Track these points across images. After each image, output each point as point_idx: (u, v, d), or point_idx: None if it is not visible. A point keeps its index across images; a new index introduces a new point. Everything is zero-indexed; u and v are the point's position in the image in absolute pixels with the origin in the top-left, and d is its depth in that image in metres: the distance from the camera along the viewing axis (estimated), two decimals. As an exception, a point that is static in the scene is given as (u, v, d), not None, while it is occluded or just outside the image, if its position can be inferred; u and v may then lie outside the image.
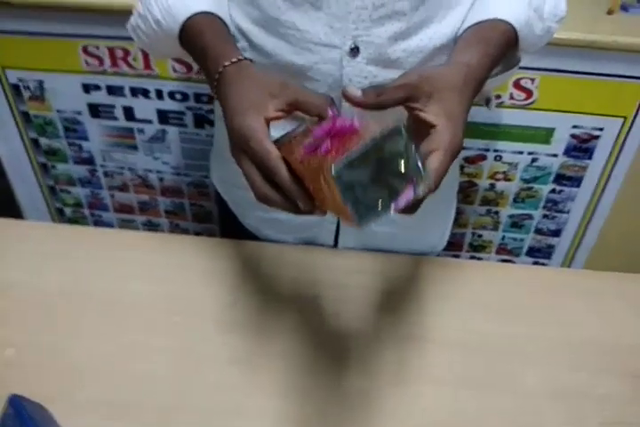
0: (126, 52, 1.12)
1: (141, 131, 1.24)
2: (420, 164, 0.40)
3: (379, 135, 0.38)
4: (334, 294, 0.70)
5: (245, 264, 0.74)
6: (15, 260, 0.74)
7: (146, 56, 1.12)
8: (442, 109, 0.47)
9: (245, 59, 0.53)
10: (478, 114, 1.07)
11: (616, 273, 0.76)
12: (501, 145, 1.17)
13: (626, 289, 0.75)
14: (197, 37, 0.56)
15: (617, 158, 1.16)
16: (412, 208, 0.43)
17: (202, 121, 1.21)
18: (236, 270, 0.73)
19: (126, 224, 1.43)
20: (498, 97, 1.09)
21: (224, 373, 0.62)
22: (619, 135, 1.13)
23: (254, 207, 0.77)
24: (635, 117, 1.10)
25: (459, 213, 1.26)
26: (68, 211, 1.43)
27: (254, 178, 0.46)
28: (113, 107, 1.21)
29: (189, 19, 0.56)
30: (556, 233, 1.30)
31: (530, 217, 1.28)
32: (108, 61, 1.14)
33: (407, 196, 0.40)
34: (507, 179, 1.22)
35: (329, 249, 0.76)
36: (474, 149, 1.18)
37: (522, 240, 1.33)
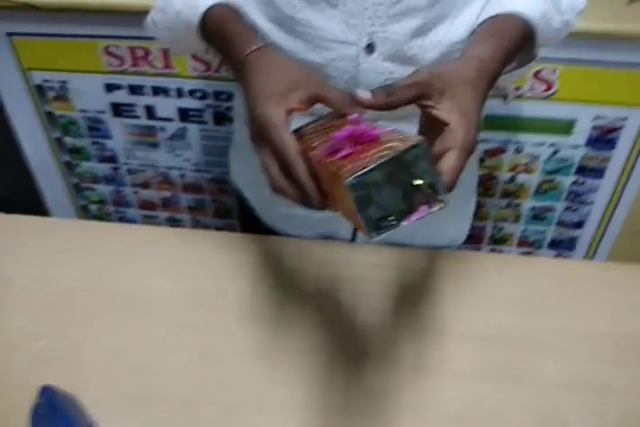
0: (147, 52, 1.14)
1: (162, 129, 1.26)
2: (437, 182, 0.39)
3: (400, 149, 0.38)
4: (354, 288, 0.71)
5: (265, 259, 0.75)
6: (42, 256, 0.76)
7: (166, 55, 1.14)
8: (455, 106, 0.46)
9: (269, 45, 0.53)
10: (498, 106, 1.06)
11: (639, 265, 0.76)
12: (522, 137, 1.16)
13: (649, 281, 0.74)
14: (219, 26, 0.56)
15: (640, 149, 1.15)
16: None
17: (221, 118, 1.22)
18: (256, 265, 0.74)
19: (149, 220, 1.45)
20: (518, 88, 1.08)
21: (246, 366, 0.63)
22: (642, 125, 1.11)
23: (273, 203, 0.78)
24: (658, 107, 1.08)
25: (479, 206, 1.25)
26: (92, 208, 1.46)
27: (271, 168, 0.46)
28: (134, 106, 1.23)
29: (209, 9, 0.57)
30: (579, 225, 1.29)
31: (552, 209, 1.27)
32: (129, 61, 1.16)
33: (421, 213, 0.39)
34: (528, 171, 1.21)
35: (347, 244, 0.77)
36: (494, 142, 1.17)
37: (543, 232, 1.31)
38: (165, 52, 1.13)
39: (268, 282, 0.72)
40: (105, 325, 0.67)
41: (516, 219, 1.30)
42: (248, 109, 0.49)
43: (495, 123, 1.13)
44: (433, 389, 0.61)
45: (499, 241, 1.35)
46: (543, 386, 0.62)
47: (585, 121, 1.12)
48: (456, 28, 0.60)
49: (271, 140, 0.46)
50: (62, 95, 1.24)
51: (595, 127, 1.12)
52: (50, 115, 1.28)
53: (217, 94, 1.18)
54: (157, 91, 1.20)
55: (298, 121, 0.50)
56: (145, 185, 1.38)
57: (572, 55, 1.03)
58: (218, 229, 1.43)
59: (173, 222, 1.45)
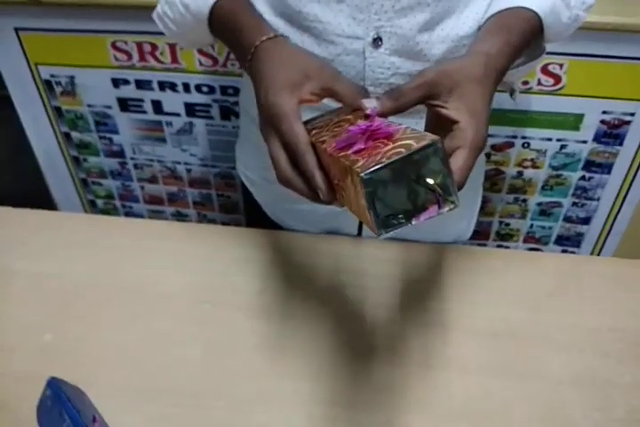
0: (154, 47, 1.14)
1: (169, 124, 1.26)
2: (449, 182, 0.39)
3: (415, 148, 0.37)
4: (360, 283, 0.71)
5: (272, 253, 0.75)
6: (49, 250, 0.76)
7: (173, 50, 1.14)
8: (464, 104, 0.45)
9: (282, 35, 0.52)
10: (505, 101, 1.06)
11: (646, 261, 0.75)
12: (529, 132, 1.15)
13: (656, 277, 0.74)
14: (229, 17, 0.56)
15: (649, 144, 1.14)
16: None
17: (228, 113, 1.22)
18: (262, 259, 0.74)
19: (156, 215, 1.46)
20: (526, 83, 1.08)
21: (252, 360, 0.63)
22: (650, 120, 1.10)
23: (279, 198, 0.78)
24: (667, 102, 1.07)
25: (485, 201, 1.25)
26: (99, 202, 1.47)
27: (279, 159, 0.46)
28: (142, 101, 1.23)
29: (219, 0, 0.56)
30: (586, 221, 1.28)
31: (559, 205, 1.26)
32: (136, 56, 1.16)
33: (431, 212, 0.39)
34: (535, 166, 1.20)
35: (354, 238, 0.77)
36: (501, 137, 1.16)
37: (550, 228, 1.31)
38: (172, 47, 1.13)
39: (275, 277, 0.72)
40: (111, 319, 0.68)
41: (523, 214, 1.29)
42: (258, 99, 0.49)
43: (502, 117, 1.13)
44: (439, 384, 0.61)
45: (505, 237, 1.35)
46: (549, 382, 0.62)
47: (593, 116, 1.11)
48: (463, 23, 0.60)
49: (281, 131, 0.45)
50: (70, 90, 1.24)
51: (603, 122, 1.12)
52: (57, 109, 1.29)
53: (224, 89, 1.18)
54: (164, 86, 1.20)
55: (304, 115, 0.50)
56: (152, 180, 1.38)
57: (580, 49, 1.02)
58: (224, 223, 1.43)
59: (180, 217, 1.46)
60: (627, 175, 1.19)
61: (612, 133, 1.13)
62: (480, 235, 1.34)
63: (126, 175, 1.38)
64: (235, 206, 1.40)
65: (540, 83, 1.08)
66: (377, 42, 0.59)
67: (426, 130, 0.49)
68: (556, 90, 1.08)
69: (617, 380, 0.62)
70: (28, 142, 1.35)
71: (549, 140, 1.16)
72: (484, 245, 1.36)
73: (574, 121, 1.12)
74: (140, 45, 1.14)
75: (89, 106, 1.27)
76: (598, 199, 1.24)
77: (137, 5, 1.04)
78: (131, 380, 0.62)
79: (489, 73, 0.48)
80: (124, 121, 1.27)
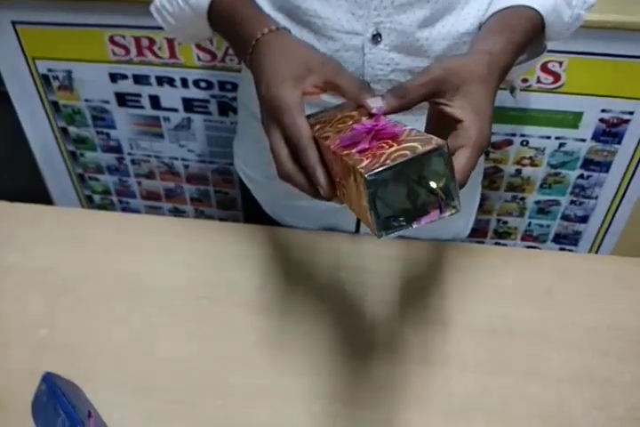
0: (152, 42, 1.13)
1: (167, 119, 1.26)
2: (452, 187, 0.39)
3: (420, 151, 0.37)
4: (359, 280, 0.71)
5: (271, 249, 0.75)
6: (45, 244, 0.76)
7: (171, 45, 1.13)
8: (468, 104, 0.45)
9: (284, 28, 0.52)
10: (505, 98, 1.06)
11: (644, 259, 0.75)
12: (528, 130, 1.15)
13: (654, 275, 0.74)
14: (229, 10, 0.55)
15: (647, 143, 1.14)
16: None
17: (226, 109, 1.22)
18: (261, 255, 0.74)
19: (153, 211, 1.45)
20: (525, 81, 1.08)
21: (249, 357, 0.63)
22: (649, 119, 1.10)
23: (277, 195, 0.78)
24: (666, 101, 1.07)
25: (483, 199, 1.24)
26: (96, 198, 1.46)
27: (281, 153, 0.45)
28: (139, 96, 1.23)
29: None
30: (584, 219, 1.28)
31: (557, 203, 1.26)
32: (134, 51, 1.15)
33: (432, 216, 0.39)
34: (533, 164, 1.20)
35: (352, 235, 0.77)
36: (500, 134, 1.16)
37: (548, 227, 1.31)
38: (171, 42, 1.13)
39: (274, 273, 0.72)
40: (107, 314, 0.67)
41: (521, 213, 1.29)
42: (259, 92, 0.48)
43: (501, 115, 1.13)
44: (438, 381, 0.61)
45: (503, 235, 1.35)
46: (548, 379, 0.62)
47: (592, 114, 1.11)
48: (463, 20, 0.59)
49: (283, 124, 0.44)
50: (67, 85, 1.24)
51: (602, 120, 1.12)
52: (55, 104, 1.28)
53: (222, 84, 1.18)
54: (162, 81, 1.19)
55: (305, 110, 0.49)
56: (149, 175, 1.38)
57: (580, 48, 1.02)
58: (222, 220, 1.43)
59: (177, 213, 1.45)
60: (625, 174, 1.19)
61: (610, 132, 1.13)
62: (478, 233, 1.34)
63: (123, 171, 1.38)
64: (232, 203, 1.40)
65: (539, 81, 1.08)
66: (376, 38, 0.58)
67: (427, 127, 0.49)
68: (556, 88, 1.08)
69: (616, 378, 0.62)
70: (25, 137, 1.34)
71: (548, 138, 1.16)
72: (482, 242, 1.36)
73: (573, 119, 1.12)
74: (137, 40, 1.13)
75: (86, 100, 1.26)
76: (596, 198, 1.24)
77: (135, 0, 1.03)
78: (127, 376, 0.61)
79: (493, 72, 0.47)
80: (122, 116, 1.27)
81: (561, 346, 0.65)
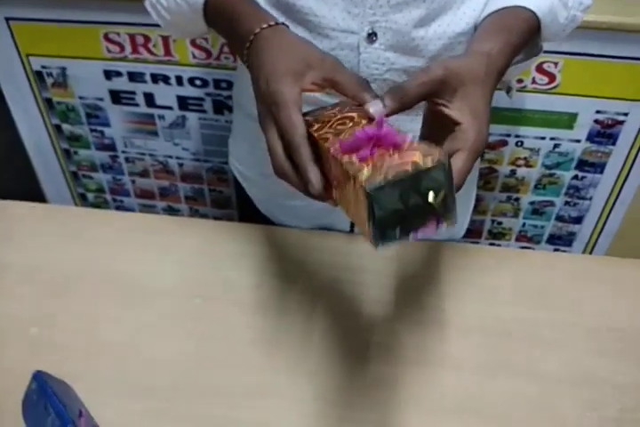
0: (147, 39, 1.13)
1: (162, 117, 1.25)
2: (451, 201, 0.39)
3: (423, 167, 0.37)
4: (355, 279, 0.71)
5: (266, 248, 0.75)
6: (39, 243, 0.75)
7: (166, 43, 1.13)
8: (466, 106, 0.45)
9: (283, 23, 0.51)
10: (499, 99, 1.06)
11: (638, 260, 0.75)
12: (523, 130, 1.15)
13: (647, 276, 0.74)
14: (226, 5, 0.55)
15: (642, 144, 1.14)
16: None
17: (221, 107, 1.21)
18: (257, 254, 0.74)
19: (147, 209, 1.45)
20: (520, 81, 1.08)
21: (244, 356, 0.63)
22: (644, 120, 1.11)
23: (271, 194, 0.78)
24: (661, 102, 1.08)
25: (478, 199, 1.25)
26: (90, 196, 1.45)
27: (276, 148, 0.45)
28: (134, 93, 1.22)
29: None
30: (578, 220, 1.28)
31: (551, 204, 1.26)
32: (128, 48, 1.15)
33: (429, 229, 0.39)
34: (528, 165, 1.20)
35: (348, 234, 0.77)
36: (494, 135, 1.16)
37: (542, 227, 1.31)
38: (165, 40, 1.12)
39: (269, 272, 0.72)
40: (100, 312, 0.67)
41: (516, 213, 1.29)
42: (257, 88, 0.47)
43: (496, 115, 1.13)
44: (433, 382, 0.61)
45: (497, 236, 1.35)
46: (542, 380, 0.62)
47: (586, 115, 1.11)
48: (459, 20, 0.59)
49: (279, 119, 0.44)
50: (61, 82, 1.23)
51: (596, 121, 1.12)
52: (49, 101, 1.27)
53: (217, 83, 1.17)
54: (157, 78, 1.19)
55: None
56: (143, 174, 1.37)
57: (576, 48, 1.02)
58: (216, 218, 1.42)
59: (171, 212, 1.45)
60: (619, 175, 1.19)
61: (605, 133, 1.14)
62: (473, 233, 1.34)
63: (117, 169, 1.37)
64: (227, 201, 1.40)
65: (534, 81, 1.08)
66: (372, 37, 0.58)
67: (423, 127, 0.49)
68: (551, 88, 1.08)
69: (611, 379, 0.62)
70: (18, 134, 1.33)
71: (543, 138, 1.16)
72: (477, 243, 1.36)
73: (568, 120, 1.12)
74: (132, 37, 1.13)
75: (80, 98, 1.25)
76: (591, 199, 1.24)
77: (130, -4, 1.03)
78: (119, 375, 0.61)
79: (490, 74, 0.47)
80: (116, 114, 1.26)
81: (555, 347, 0.65)
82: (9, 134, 1.33)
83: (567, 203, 1.26)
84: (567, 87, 1.08)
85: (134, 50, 1.15)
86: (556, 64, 1.05)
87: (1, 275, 0.71)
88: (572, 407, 0.60)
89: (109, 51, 1.16)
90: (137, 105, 1.24)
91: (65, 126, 1.31)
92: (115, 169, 1.37)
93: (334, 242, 0.75)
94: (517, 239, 1.35)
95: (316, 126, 0.46)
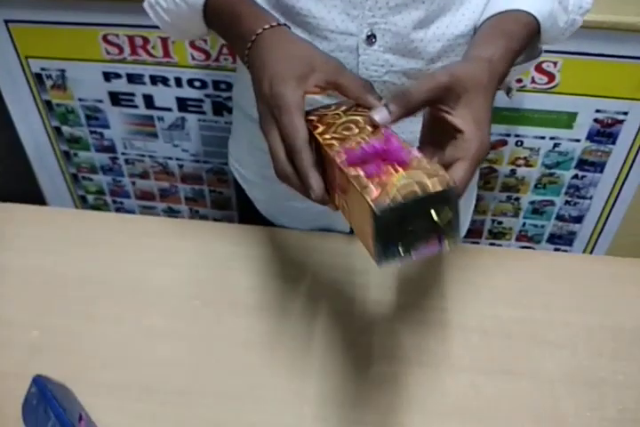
0: (146, 41, 1.13)
1: (161, 118, 1.25)
2: (455, 222, 0.39)
3: (430, 191, 0.38)
4: (353, 280, 0.71)
5: (265, 250, 0.74)
6: (38, 245, 0.75)
7: (165, 44, 1.13)
8: (469, 113, 0.44)
9: (285, 24, 0.51)
10: (499, 99, 1.06)
11: (638, 259, 0.75)
12: (522, 130, 1.15)
13: (647, 276, 0.74)
14: (227, 5, 0.54)
15: (642, 143, 1.14)
16: None
17: (220, 108, 1.21)
18: (256, 256, 0.73)
19: (147, 211, 1.45)
20: (519, 81, 1.08)
21: (242, 358, 0.63)
22: (643, 119, 1.10)
23: (273, 196, 0.78)
24: (660, 101, 1.08)
25: (478, 199, 1.24)
26: (90, 198, 1.45)
27: (278, 152, 0.44)
28: (133, 95, 1.22)
29: None
30: (578, 219, 1.28)
31: (551, 203, 1.26)
32: (127, 50, 1.15)
33: (432, 248, 0.39)
34: (528, 164, 1.20)
35: (348, 236, 0.77)
36: (494, 135, 1.16)
37: (543, 227, 1.31)
38: (164, 41, 1.12)
39: (268, 273, 0.72)
40: (100, 315, 0.67)
41: (516, 213, 1.29)
42: (259, 89, 0.47)
43: (496, 115, 1.12)
44: (431, 382, 0.61)
45: (498, 235, 1.35)
46: (541, 380, 0.62)
47: (586, 114, 1.11)
48: (458, 22, 0.59)
49: (282, 123, 0.44)
50: (60, 84, 1.23)
51: (596, 121, 1.12)
52: (48, 103, 1.27)
53: (216, 84, 1.18)
54: (156, 80, 1.19)
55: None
56: (143, 175, 1.37)
57: (575, 48, 1.02)
58: (216, 220, 1.42)
59: (171, 213, 1.45)
60: (619, 174, 1.19)
61: (605, 132, 1.13)
62: (473, 233, 1.34)
63: (117, 170, 1.37)
64: (227, 202, 1.40)
65: (533, 81, 1.08)
66: (371, 39, 0.58)
67: (423, 132, 0.48)
68: (550, 88, 1.08)
69: (609, 379, 0.62)
70: (18, 136, 1.33)
71: (542, 138, 1.16)
72: (477, 243, 1.36)
73: (568, 119, 1.12)
74: (131, 39, 1.13)
75: (80, 100, 1.25)
76: (591, 198, 1.24)
77: (129, -2, 1.03)
78: (119, 377, 0.61)
79: (492, 80, 0.47)
80: (116, 115, 1.26)
81: (554, 346, 0.65)
82: (8, 136, 1.33)
83: (567, 202, 1.26)
84: (567, 87, 1.08)
85: (133, 52, 1.15)
86: (555, 64, 1.05)
87: (1, 278, 0.71)
88: (573, 408, 0.60)
89: (108, 53, 1.16)
90: (136, 107, 1.24)
91: (64, 128, 1.31)
92: (114, 171, 1.37)
93: (334, 243, 0.75)
94: (518, 239, 1.35)
95: (320, 129, 0.46)
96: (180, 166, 1.33)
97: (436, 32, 0.59)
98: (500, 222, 1.32)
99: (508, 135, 1.16)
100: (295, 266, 0.73)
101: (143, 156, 1.33)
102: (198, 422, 0.58)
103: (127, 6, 1.06)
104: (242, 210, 0.90)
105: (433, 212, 0.38)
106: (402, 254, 0.39)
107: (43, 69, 1.21)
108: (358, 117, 0.46)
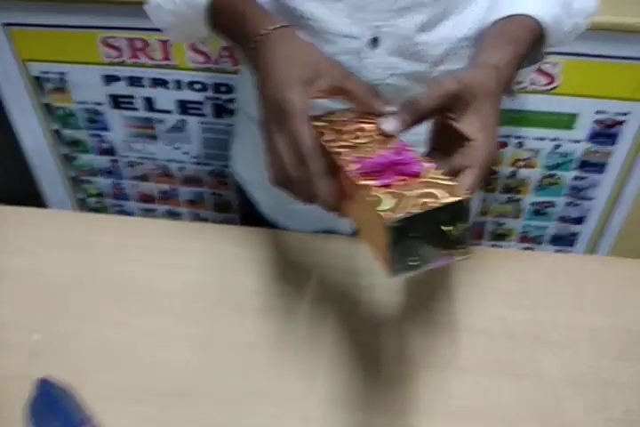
0: (145, 44, 1.13)
1: (161, 121, 1.25)
2: (467, 235, 0.39)
3: (443, 203, 0.38)
4: (360, 281, 0.71)
5: (269, 252, 0.74)
6: (39, 248, 0.75)
7: (165, 47, 1.13)
8: (478, 121, 0.44)
9: (291, 25, 0.50)
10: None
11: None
12: (523, 131, 1.15)
13: (650, 276, 0.74)
14: (230, 6, 0.54)
15: (642, 144, 1.14)
16: None
17: (221, 111, 1.21)
18: (259, 258, 0.73)
19: (148, 214, 1.45)
20: (519, 82, 1.08)
21: (246, 359, 0.63)
22: (644, 120, 1.11)
23: (277, 198, 0.77)
24: (661, 102, 1.08)
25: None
26: (90, 201, 1.45)
27: (284, 157, 0.44)
28: (133, 97, 1.22)
29: None
30: (579, 221, 1.28)
31: (552, 205, 1.26)
32: (127, 53, 1.15)
33: (444, 260, 0.40)
34: (529, 166, 1.20)
35: (351, 238, 0.76)
36: (495, 136, 1.16)
37: (544, 228, 1.31)
38: (164, 44, 1.12)
39: (273, 275, 0.71)
40: (102, 317, 0.67)
41: (517, 214, 1.29)
42: (265, 91, 0.46)
43: (497, 117, 1.12)
44: (435, 383, 0.61)
45: (499, 237, 1.35)
46: (545, 381, 0.62)
47: (587, 115, 1.11)
48: (462, 25, 0.59)
49: (289, 130, 0.43)
50: (60, 87, 1.23)
51: (596, 122, 1.12)
52: (48, 106, 1.27)
53: (216, 86, 1.17)
54: (156, 83, 1.19)
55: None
56: (144, 178, 1.37)
57: (575, 49, 1.02)
58: (217, 222, 1.42)
59: (172, 216, 1.44)
60: (620, 175, 1.19)
61: (605, 133, 1.14)
62: (474, 235, 1.34)
63: (118, 173, 1.37)
64: (228, 205, 1.39)
65: (534, 82, 1.08)
66: (375, 42, 0.58)
67: (431, 139, 0.48)
68: (550, 89, 1.08)
69: (614, 380, 0.62)
70: (18, 140, 1.33)
71: (543, 139, 1.16)
72: (479, 244, 1.36)
73: (568, 121, 1.12)
74: (131, 42, 1.13)
75: (80, 103, 1.25)
76: (592, 199, 1.24)
77: (128, 1, 1.03)
78: (122, 380, 0.61)
79: (499, 86, 0.46)
80: (116, 118, 1.26)
81: (558, 348, 0.65)
82: (8, 140, 1.33)
83: (569, 203, 1.26)
84: (567, 88, 1.08)
85: (133, 54, 1.15)
86: (555, 64, 1.05)
87: (1, 281, 0.71)
88: (577, 409, 0.60)
89: (108, 55, 1.16)
90: (136, 109, 1.24)
91: (65, 131, 1.31)
92: (115, 173, 1.37)
93: (338, 245, 0.75)
94: (519, 240, 1.35)
95: (328, 137, 0.45)
96: (181, 169, 1.33)
97: (440, 35, 0.59)
98: (502, 224, 1.32)
99: (509, 137, 1.16)
100: (299, 268, 0.73)
101: (144, 158, 1.33)
102: (203, 425, 0.58)
103: (126, 9, 1.06)
104: (243, 213, 0.90)
105: (446, 223, 0.38)
106: (415, 266, 0.39)
107: (43, 73, 1.21)
108: (366, 125, 0.46)
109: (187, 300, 0.69)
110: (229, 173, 1.30)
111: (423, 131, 0.48)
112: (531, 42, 0.53)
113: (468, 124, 0.44)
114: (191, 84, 1.18)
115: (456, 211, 0.38)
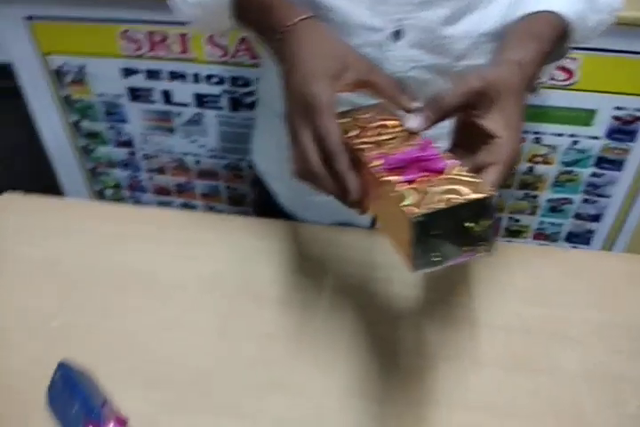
0: (164, 37, 1.13)
1: (179, 114, 1.26)
2: (491, 232, 0.39)
3: (469, 199, 0.38)
4: (377, 275, 0.71)
5: (287, 244, 0.75)
6: (58, 237, 0.76)
7: (183, 40, 1.13)
8: (503, 119, 0.44)
9: (317, 16, 0.50)
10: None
11: (658, 257, 0.75)
12: (541, 127, 1.15)
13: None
14: None
15: (661, 141, 1.13)
16: None
17: (238, 104, 1.22)
18: (277, 249, 0.74)
19: (163, 206, 1.46)
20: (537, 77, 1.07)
21: (262, 349, 0.63)
22: (664, 117, 1.10)
23: (298, 191, 0.78)
24: (681, 98, 1.07)
25: (495, 196, 1.24)
26: (107, 193, 1.47)
27: (309, 151, 0.43)
28: (151, 90, 1.23)
29: None
30: (596, 218, 1.28)
31: (569, 201, 1.26)
32: (146, 46, 1.15)
33: (467, 256, 0.40)
34: (546, 162, 1.20)
35: (368, 230, 0.77)
36: (512, 132, 1.16)
37: (560, 225, 1.30)
38: (183, 38, 1.13)
39: (290, 267, 0.72)
40: (120, 306, 0.68)
41: (533, 211, 1.29)
42: (291, 84, 0.46)
43: (514, 112, 1.12)
44: (452, 377, 0.61)
45: (514, 233, 1.34)
46: (561, 377, 0.62)
47: (605, 111, 1.10)
48: (487, 19, 0.59)
49: (316, 124, 0.43)
50: (80, 79, 1.24)
51: (615, 118, 1.11)
52: (67, 99, 1.28)
53: (233, 80, 1.18)
54: (174, 76, 1.19)
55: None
56: (160, 170, 1.38)
57: (594, 44, 1.01)
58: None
59: (187, 208, 1.45)
60: (638, 172, 1.18)
61: (624, 130, 1.13)
62: (489, 230, 1.33)
63: (135, 165, 1.38)
64: (243, 198, 1.40)
65: (553, 78, 1.07)
66: (398, 34, 0.58)
67: (455, 136, 0.48)
68: (569, 85, 1.08)
69: (629, 376, 0.62)
70: (37, 131, 1.35)
71: (561, 135, 1.15)
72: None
73: (586, 117, 1.12)
74: (150, 35, 1.14)
75: (99, 95, 1.26)
76: (609, 196, 1.23)
77: (149, -6, 1.04)
78: (140, 368, 0.61)
79: (523, 83, 0.46)
80: (134, 111, 1.27)
81: (574, 343, 0.65)
82: (27, 132, 1.35)
83: (585, 200, 1.25)
84: (586, 83, 1.07)
85: (152, 47, 1.15)
86: (574, 60, 1.04)
87: (21, 268, 0.72)
88: (591, 404, 0.60)
89: (127, 48, 1.16)
90: (154, 102, 1.25)
91: (83, 123, 1.32)
92: (132, 166, 1.38)
93: (355, 237, 0.75)
94: (535, 237, 1.34)
95: (352, 133, 0.46)
96: (197, 162, 1.34)
97: (465, 29, 0.58)
98: (517, 220, 1.31)
99: (527, 132, 1.16)
100: (316, 260, 0.73)
101: (160, 151, 1.34)
102: (219, 412, 0.58)
103: (145, 3, 1.06)
104: (259, 205, 0.90)
105: (469, 219, 0.38)
106: (436, 261, 0.39)
107: (62, 65, 1.22)
108: (389, 122, 0.46)
109: (204, 290, 0.69)
110: (245, 166, 1.31)
111: (447, 124, 0.48)
112: (555, 39, 0.53)
113: (492, 122, 0.44)
114: (208, 78, 1.19)
115: (480, 208, 0.38)
